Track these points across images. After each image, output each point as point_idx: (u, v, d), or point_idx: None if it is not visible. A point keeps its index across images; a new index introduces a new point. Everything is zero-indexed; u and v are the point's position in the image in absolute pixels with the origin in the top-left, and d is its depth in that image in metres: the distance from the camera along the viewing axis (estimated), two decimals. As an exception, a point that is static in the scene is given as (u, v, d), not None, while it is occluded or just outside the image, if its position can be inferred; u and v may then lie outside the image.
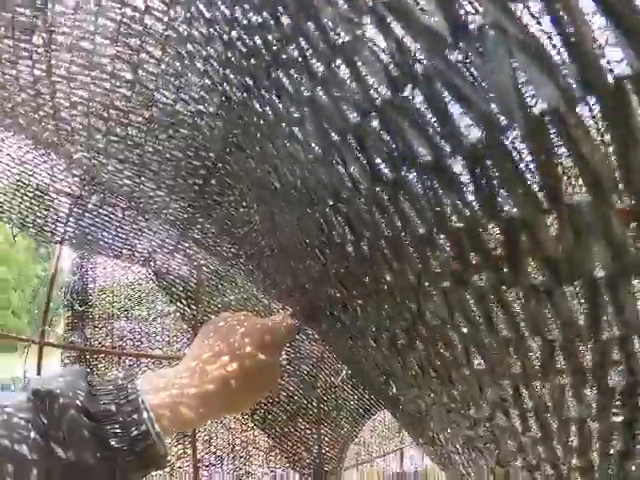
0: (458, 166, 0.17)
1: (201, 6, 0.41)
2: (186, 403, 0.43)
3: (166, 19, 0.51)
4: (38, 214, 1.22)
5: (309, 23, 0.22)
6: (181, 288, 1.03)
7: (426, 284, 0.23)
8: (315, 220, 0.35)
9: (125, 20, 0.53)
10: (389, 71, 0.17)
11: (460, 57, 0.15)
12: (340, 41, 0.20)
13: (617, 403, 0.20)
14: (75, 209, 1.13)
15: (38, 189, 1.18)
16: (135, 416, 0.37)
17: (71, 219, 1.14)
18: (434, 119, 0.16)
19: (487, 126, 0.14)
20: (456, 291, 0.21)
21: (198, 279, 1.02)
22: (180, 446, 1.22)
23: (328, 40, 0.20)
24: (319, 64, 0.23)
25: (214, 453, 1.23)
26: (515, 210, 0.15)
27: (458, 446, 0.45)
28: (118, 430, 0.36)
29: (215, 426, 1.28)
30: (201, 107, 0.56)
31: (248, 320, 0.53)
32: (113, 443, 0.35)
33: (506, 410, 0.27)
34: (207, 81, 0.50)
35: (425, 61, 0.15)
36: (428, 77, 0.15)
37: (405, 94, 0.17)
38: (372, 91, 0.19)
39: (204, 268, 1.00)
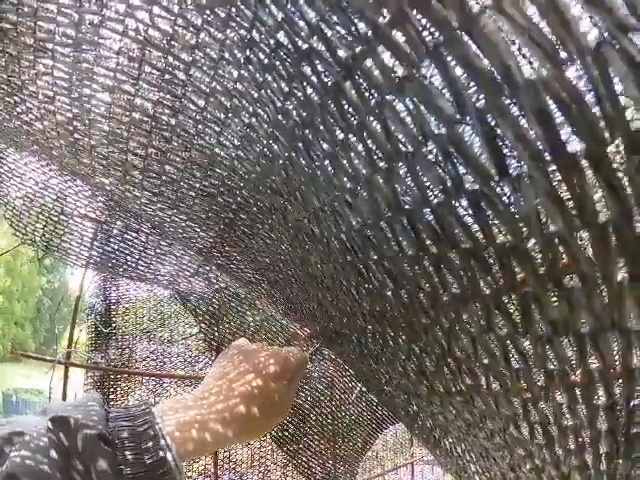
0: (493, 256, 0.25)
1: (255, 73, 0.48)
2: (211, 429, 0.45)
3: (212, 73, 0.56)
4: (63, 238, 1.31)
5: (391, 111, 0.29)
6: (204, 309, 1.10)
7: (457, 328, 0.31)
8: (354, 266, 0.42)
9: (169, 69, 0.59)
10: (443, 181, 0.25)
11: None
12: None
13: (602, 415, 0.28)
14: (100, 234, 1.20)
15: (63, 213, 1.26)
16: (154, 443, 0.39)
17: (96, 243, 1.21)
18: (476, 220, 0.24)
19: (513, 235, 0.22)
20: (482, 337, 0.29)
21: (220, 301, 1.09)
22: (201, 462, 1.29)
23: (413, 137, 0.28)
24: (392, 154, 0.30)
25: (234, 469, 1.29)
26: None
27: (474, 456, 0.52)
28: (137, 457, 0.38)
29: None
30: (241, 153, 0.62)
31: (254, 353, 0.57)
32: (131, 470, 0.37)
33: (516, 423, 0.34)
34: (251, 133, 0.56)
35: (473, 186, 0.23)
36: (476, 200, 0.23)
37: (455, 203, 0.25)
38: (428, 194, 0.27)
39: (224, 291, 1.08)
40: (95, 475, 0.35)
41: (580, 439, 0.30)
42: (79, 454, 0.36)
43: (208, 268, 1.09)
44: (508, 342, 0.27)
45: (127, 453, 0.38)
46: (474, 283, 0.26)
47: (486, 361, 0.31)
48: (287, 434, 1.03)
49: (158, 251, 1.14)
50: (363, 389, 1.11)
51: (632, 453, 0.27)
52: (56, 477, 0.34)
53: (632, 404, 0.25)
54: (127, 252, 1.18)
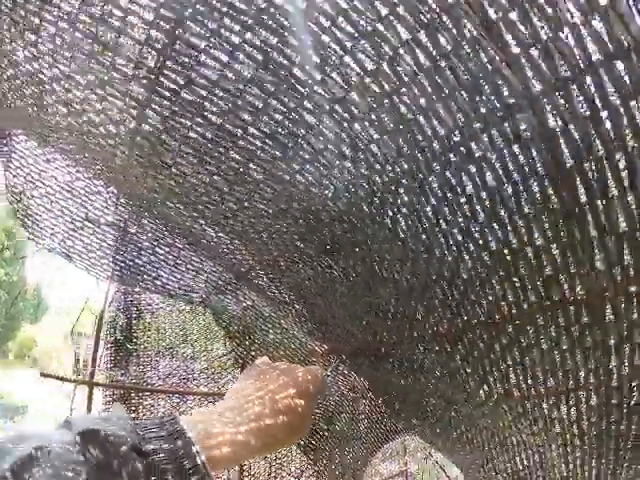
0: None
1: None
2: (255, 442, 0.52)
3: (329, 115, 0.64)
4: (89, 247, 1.43)
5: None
6: (235, 327, 1.30)
7: (532, 346, 0.56)
8: (444, 303, 0.66)
9: (282, 97, 0.64)
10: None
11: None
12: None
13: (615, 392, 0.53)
14: (129, 245, 1.35)
15: (88, 219, 1.38)
16: (186, 453, 0.43)
17: (125, 255, 1.37)
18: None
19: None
20: (550, 350, 0.54)
21: (249, 319, 1.29)
22: (224, 475, 1.46)
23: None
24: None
25: (251, 480, 1.49)
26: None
27: (503, 448, 0.77)
28: (171, 467, 0.42)
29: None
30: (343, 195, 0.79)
31: (290, 369, 0.65)
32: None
33: (559, 406, 0.60)
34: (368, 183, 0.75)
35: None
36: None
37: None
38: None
39: (251, 309, 1.28)
40: None
41: (601, 412, 0.56)
42: (111, 467, 0.39)
43: (238, 286, 1.29)
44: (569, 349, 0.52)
45: (160, 464, 0.41)
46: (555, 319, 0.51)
47: (548, 366, 0.56)
48: (312, 443, 1.25)
49: (189, 267, 1.33)
50: (368, 407, 1.36)
51: (633, 418, 0.53)
52: None
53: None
54: (157, 266, 1.35)
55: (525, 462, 0.74)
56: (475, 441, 0.84)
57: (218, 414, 0.53)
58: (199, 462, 0.44)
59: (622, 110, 0.40)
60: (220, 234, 1.08)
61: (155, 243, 1.33)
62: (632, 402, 0.52)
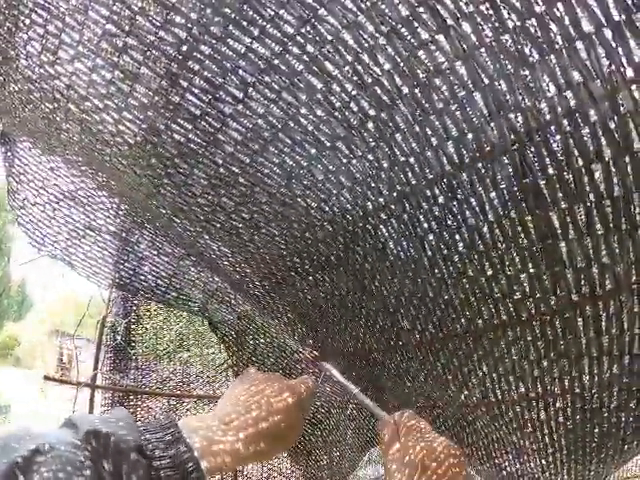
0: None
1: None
2: (239, 448, 0.54)
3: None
4: (89, 254, 1.48)
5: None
6: (230, 336, 1.37)
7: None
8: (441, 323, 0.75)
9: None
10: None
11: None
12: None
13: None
14: (131, 255, 1.41)
15: (90, 228, 1.43)
16: (189, 460, 0.45)
17: (127, 264, 1.43)
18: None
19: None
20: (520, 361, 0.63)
21: (242, 327, 1.37)
22: (218, 476, 1.53)
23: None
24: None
25: (245, 481, 1.56)
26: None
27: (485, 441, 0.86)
28: (172, 468, 0.44)
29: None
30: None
31: (283, 378, 0.69)
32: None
33: (529, 408, 0.69)
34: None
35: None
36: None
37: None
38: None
39: (245, 318, 1.35)
40: None
41: (566, 415, 0.65)
42: (120, 473, 0.40)
43: (234, 296, 1.36)
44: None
45: (165, 469, 0.43)
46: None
47: (518, 374, 0.65)
48: (299, 446, 1.32)
49: (187, 277, 1.39)
50: (354, 412, 1.44)
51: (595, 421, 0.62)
52: None
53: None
54: (157, 275, 1.41)
55: (505, 456, 0.83)
56: (456, 432, 0.93)
57: (218, 420, 0.55)
58: (201, 469, 0.46)
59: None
60: (222, 248, 1.15)
61: (155, 252, 1.39)
62: (593, 406, 0.62)
